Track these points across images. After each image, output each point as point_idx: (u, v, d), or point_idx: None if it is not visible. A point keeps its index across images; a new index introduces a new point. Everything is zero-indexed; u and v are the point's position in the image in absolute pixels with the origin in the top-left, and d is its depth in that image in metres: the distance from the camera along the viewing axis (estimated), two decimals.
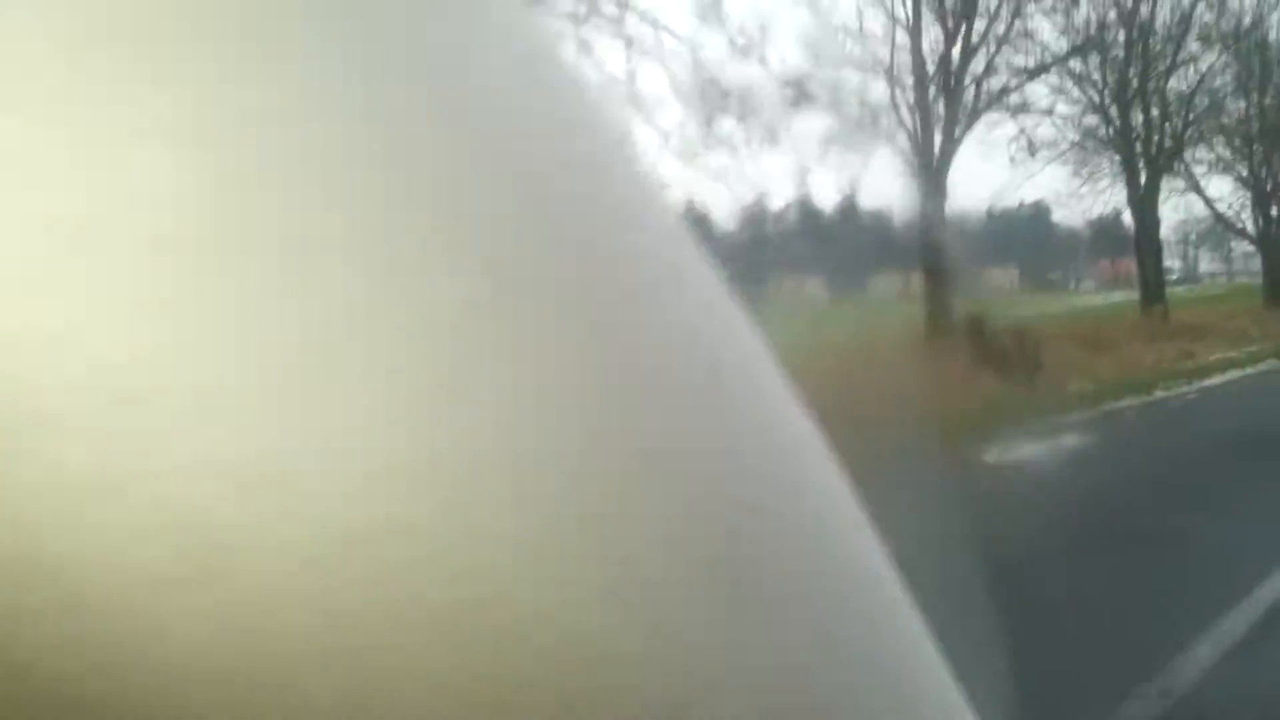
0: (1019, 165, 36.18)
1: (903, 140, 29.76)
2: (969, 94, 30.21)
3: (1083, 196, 41.22)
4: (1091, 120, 36.88)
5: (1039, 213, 56.00)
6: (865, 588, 0.26)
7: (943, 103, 29.63)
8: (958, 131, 29.58)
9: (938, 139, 29.50)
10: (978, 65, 29.80)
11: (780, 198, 34.57)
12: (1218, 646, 5.23)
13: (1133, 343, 24.24)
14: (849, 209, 35.56)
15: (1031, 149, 33.21)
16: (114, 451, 0.18)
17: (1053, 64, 30.89)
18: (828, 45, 28.98)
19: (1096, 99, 35.26)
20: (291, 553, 0.18)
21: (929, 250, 29.85)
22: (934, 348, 27.96)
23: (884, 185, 51.80)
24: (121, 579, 0.16)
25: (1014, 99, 31.54)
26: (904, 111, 29.64)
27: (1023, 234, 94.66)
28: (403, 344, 0.20)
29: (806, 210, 32.07)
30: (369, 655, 0.19)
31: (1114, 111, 35.98)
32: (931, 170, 29.37)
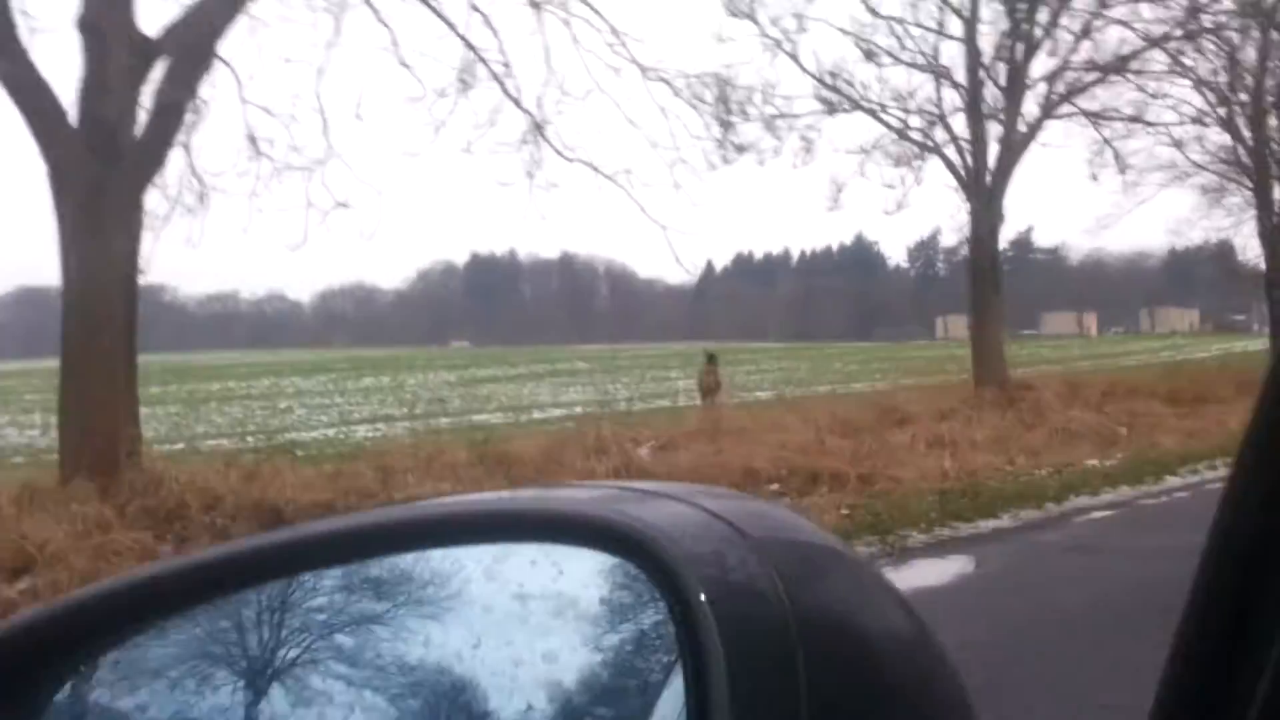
0: (1125, 186, 30.30)
1: (952, 153, 24.54)
2: (1036, 93, 24.81)
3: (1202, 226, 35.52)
4: (1213, 134, 30.98)
5: (1223, 251, 50.72)
6: None
7: (1001, 105, 24.33)
8: (1017, 140, 24.32)
9: (994, 150, 24.29)
10: (1045, 62, 24.47)
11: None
12: None
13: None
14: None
15: (1120, 164, 27.50)
16: None
17: (1142, 51, 24.97)
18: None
19: (1214, 103, 29.17)
20: None
21: (978, 283, 24.82)
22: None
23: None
24: None
25: (1088, 100, 25.84)
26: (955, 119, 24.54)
27: (1205, 273, 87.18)
28: None
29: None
30: None
31: (1240, 122, 30.15)
32: (984, 188, 24.14)
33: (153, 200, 14.17)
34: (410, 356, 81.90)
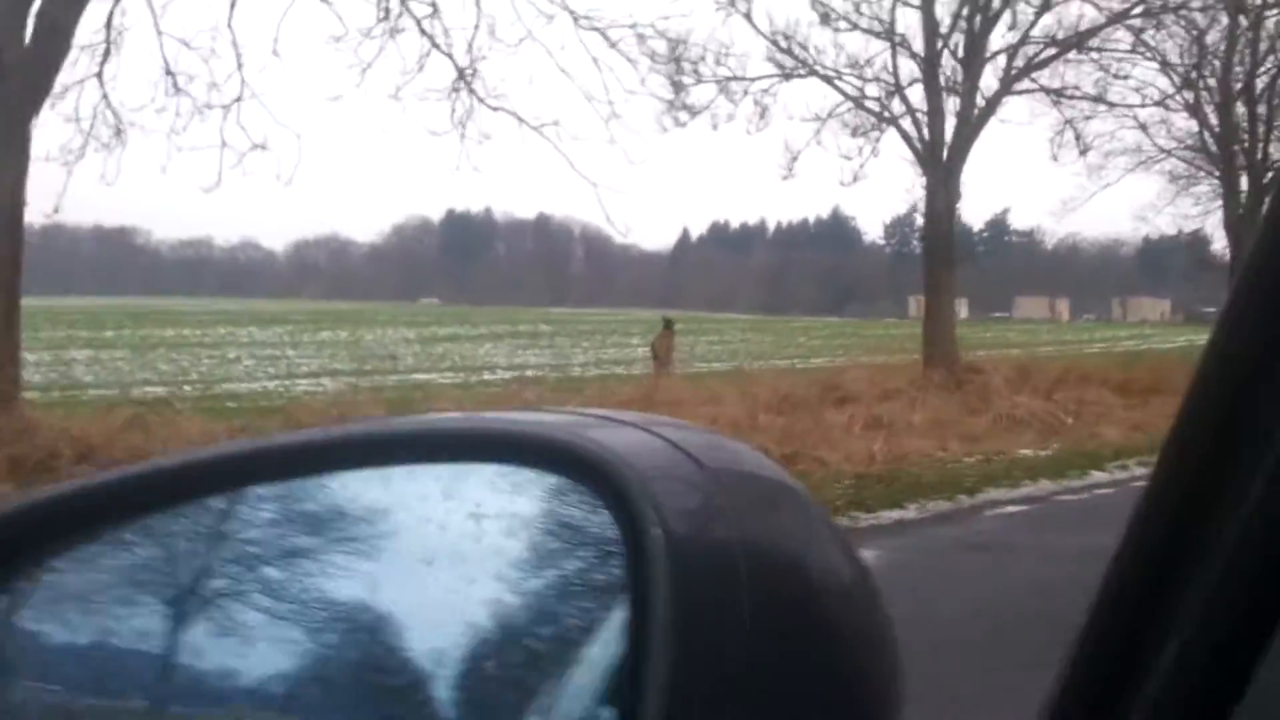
0: (1089, 169, 29.79)
1: (909, 125, 23.93)
2: (995, 66, 24.19)
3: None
4: (1180, 119, 30.46)
5: (1195, 241, 50.79)
6: None
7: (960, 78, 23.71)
8: (975, 115, 23.71)
9: (950, 125, 23.66)
10: (1005, 35, 23.79)
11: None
12: None
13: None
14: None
15: (1081, 145, 26.95)
16: None
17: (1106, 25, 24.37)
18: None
19: (1179, 86, 28.63)
20: None
21: (931, 260, 24.26)
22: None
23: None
24: None
25: (1050, 78, 25.26)
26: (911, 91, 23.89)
27: (1177, 263, 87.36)
28: None
29: None
30: None
31: (1208, 108, 29.61)
32: (940, 163, 23.55)
33: (65, 134, 13.61)
34: (375, 311, 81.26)
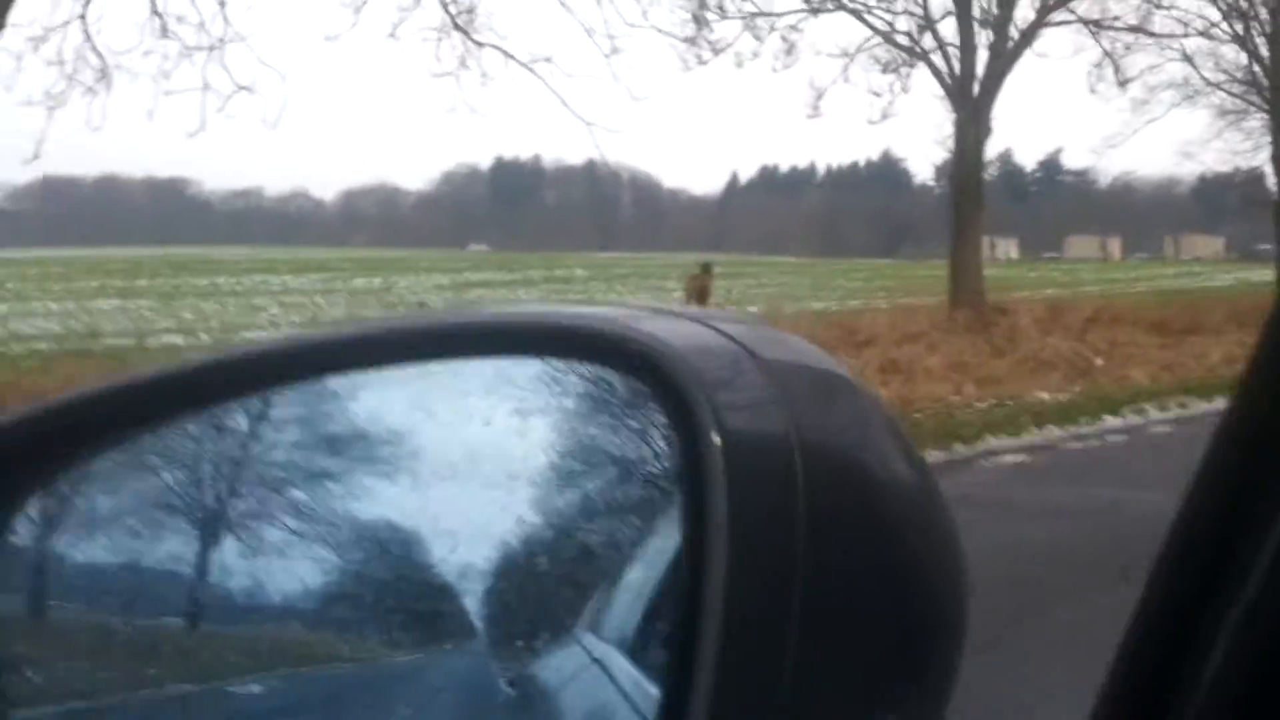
0: (1133, 103, 28.68)
1: (939, 60, 23.03)
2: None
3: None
4: (1229, 51, 29.23)
5: (1250, 179, 49.41)
6: None
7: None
8: (1008, 48, 22.76)
9: (982, 59, 22.75)
10: None
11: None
12: None
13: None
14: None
15: (1120, 78, 25.89)
16: None
17: None
18: None
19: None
20: None
21: (959, 199, 23.36)
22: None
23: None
24: None
25: (1089, 8, 24.25)
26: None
27: (1232, 201, 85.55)
28: None
29: None
30: None
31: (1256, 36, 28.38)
32: (970, 98, 22.66)
33: (48, 77, 13.21)
34: (418, 258, 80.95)
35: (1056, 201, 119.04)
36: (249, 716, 1.16)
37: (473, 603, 1.02)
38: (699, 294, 26.73)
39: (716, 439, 0.88)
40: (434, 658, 1.08)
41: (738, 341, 0.96)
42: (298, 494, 1.13)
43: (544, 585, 1.02)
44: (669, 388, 0.92)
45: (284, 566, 1.09)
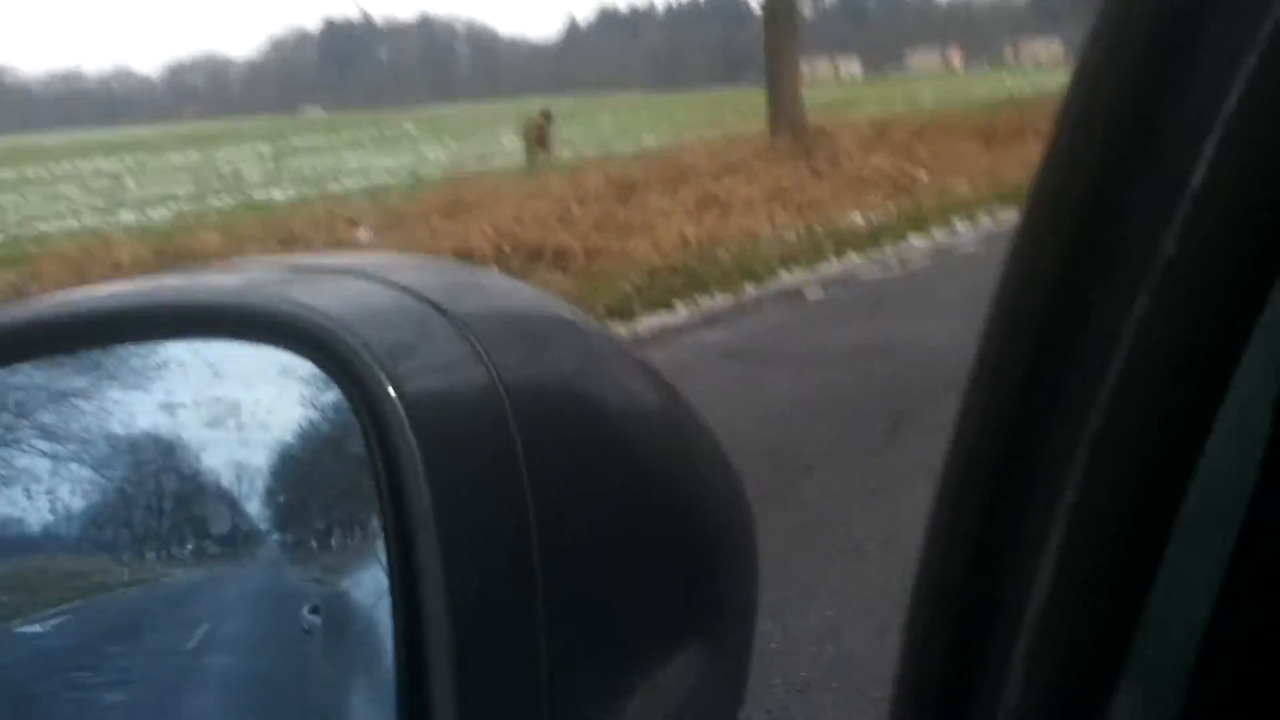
0: None
1: None
2: None
3: None
4: None
5: None
6: None
7: None
8: None
9: None
10: None
11: None
12: None
13: None
14: None
15: None
16: None
17: None
18: None
19: None
20: None
21: (771, 22, 22.20)
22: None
23: None
24: None
25: None
26: None
27: (1065, 2, 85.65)
28: None
29: None
30: None
31: None
32: None
33: None
34: (248, 128, 77.81)
35: (897, 17, 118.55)
36: (46, 655, 0.98)
37: (255, 505, 0.88)
38: (539, 141, 26.57)
39: (404, 420, 0.76)
40: (224, 569, 0.91)
41: (423, 297, 0.85)
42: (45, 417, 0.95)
43: (334, 473, 0.87)
44: (341, 366, 0.79)
45: (38, 492, 0.93)
